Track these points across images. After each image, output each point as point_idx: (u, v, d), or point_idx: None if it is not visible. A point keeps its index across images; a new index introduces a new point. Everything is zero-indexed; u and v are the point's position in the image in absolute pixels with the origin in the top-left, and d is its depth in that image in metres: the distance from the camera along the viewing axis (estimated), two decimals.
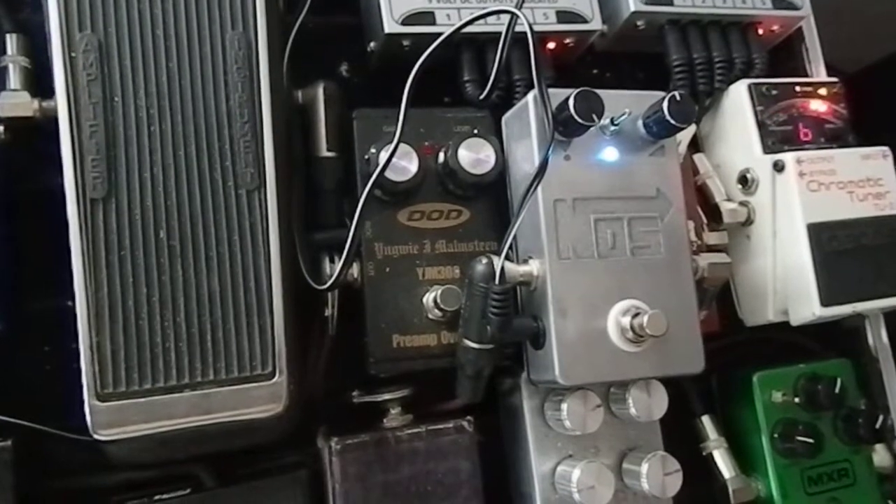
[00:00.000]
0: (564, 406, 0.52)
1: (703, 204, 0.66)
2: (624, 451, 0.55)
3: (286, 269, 0.49)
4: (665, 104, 0.49)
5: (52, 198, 0.49)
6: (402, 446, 0.52)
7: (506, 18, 0.55)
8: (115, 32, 0.46)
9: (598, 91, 0.49)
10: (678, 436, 0.58)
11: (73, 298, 0.46)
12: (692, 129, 0.67)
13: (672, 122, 0.48)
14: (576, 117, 0.47)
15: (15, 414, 0.49)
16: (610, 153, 0.52)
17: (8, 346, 0.51)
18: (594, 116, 0.48)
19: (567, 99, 0.48)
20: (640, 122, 0.51)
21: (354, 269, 0.53)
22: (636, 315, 0.49)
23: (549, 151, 0.48)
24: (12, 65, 0.52)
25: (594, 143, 0.52)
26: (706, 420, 0.64)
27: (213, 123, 0.48)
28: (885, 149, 0.65)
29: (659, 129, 0.50)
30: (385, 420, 0.54)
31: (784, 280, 0.63)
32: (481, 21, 0.53)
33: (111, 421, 0.44)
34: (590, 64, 0.70)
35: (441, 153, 0.55)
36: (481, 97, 0.59)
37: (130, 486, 0.52)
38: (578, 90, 0.48)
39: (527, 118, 0.52)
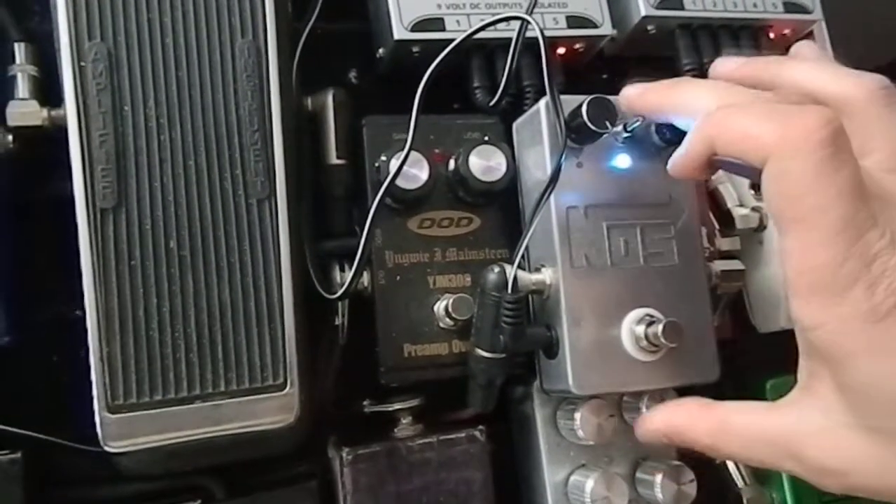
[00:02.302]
0: (577, 415, 0.52)
1: (715, 209, 0.65)
2: (637, 460, 0.55)
3: (297, 279, 0.48)
4: None
5: (59, 206, 0.49)
6: (413, 456, 0.52)
7: (515, 24, 0.55)
8: (124, 41, 0.46)
9: (611, 97, 0.48)
10: None
11: (80, 308, 0.45)
12: None
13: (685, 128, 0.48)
14: (589, 125, 0.47)
15: (23, 425, 0.49)
16: (622, 160, 0.51)
17: (15, 356, 0.51)
18: (607, 123, 0.47)
19: (580, 106, 0.47)
20: (652, 129, 0.50)
21: (365, 278, 0.53)
22: (651, 324, 0.48)
23: (563, 159, 0.47)
24: (21, 74, 0.51)
25: (606, 150, 0.51)
26: None
27: (223, 132, 0.47)
28: None
29: (672, 135, 0.49)
30: (396, 430, 0.54)
31: None
32: (491, 27, 0.53)
33: (122, 433, 0.44)
34: (599, 68, 0.69)
35: (451, 160, 0.55)
36: (491, 103, 0.58)
37: (140, 498, 0.51)
38: (591, 97, 0.47)
39: (538, 125, 0.51)
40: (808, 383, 0.40)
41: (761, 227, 0.65)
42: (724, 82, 0.44)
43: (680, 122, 0.44)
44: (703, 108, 0.40)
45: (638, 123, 0.49)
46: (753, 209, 0.65)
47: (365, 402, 0.55)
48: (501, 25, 0.54)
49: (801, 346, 0.41)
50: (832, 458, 0.38)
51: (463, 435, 0.53)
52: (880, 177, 0.38)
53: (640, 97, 0.46)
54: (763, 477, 0.63)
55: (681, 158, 0.42)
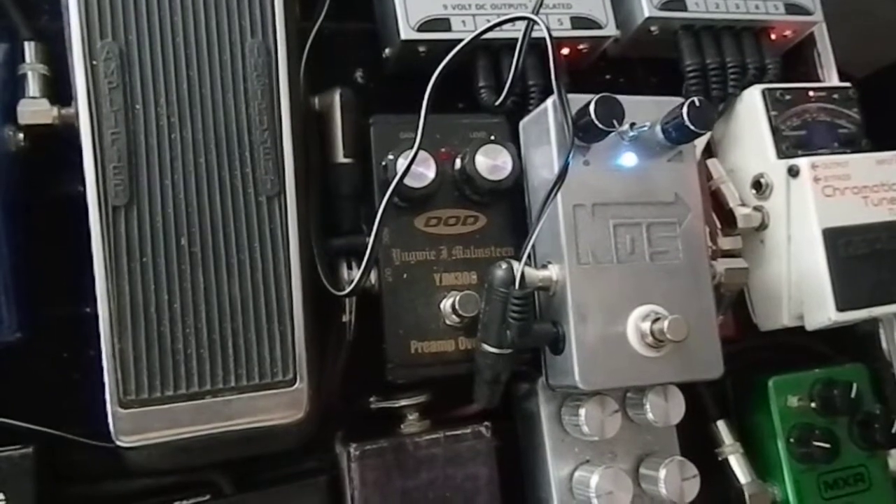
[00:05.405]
0: (582, 411, 0.52)
1: (717, 209, 0.66)
2: (641, 456, 0.55)
3: (305, 276, 0.49)
4: (684, 110, 0.48)
5: (68, 204, 0.50)
6: (420, 452, 0.53)
7: (521, 24, 0.55)
8: (135, 40, 0.47)
9: (618, 97, 0.49)
10: (693, 440, 0.58)
11: (90, 305, 0.46)
12: (707, 134, 0.67)
13: (692, 127, 0.48)
14: (597, 123, 0.47)
15: (34, 420, 0.49)
16: (628, 158, 0.52)
17: (27, 353, 0.51)
18: (615, 122, 0.48)
19: (588, 104, 0.48)
20: (658, 128, 0.51)
21: (372, 275, 0.53)
22: (656, 320, 0.49)
23: (570, 157, 0.48)
24: (31, 72, 0.52)
25: (613, 149, 0.52)
26: (721, 425, 0.64)
27: (234, 131, 0.48)
28: None
29: (678, 135, 0.50)
30: (402, 426, 0.54)
31: (799, 285, 0.63)
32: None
33: (134, 428, 0.45)
34: (602, 69, 0.70)
35: (458, 159, 0.55)
36: (497, 103, 0.59)
37: (150, 493, 0.52)
38: (599, 96, 0.48)
39: (546, 124, 0.52)
40: None
41: (763, 226, 0.66)
42: None
43: None
44: None
45: (646, 128, 0.49)
46: (755, 208, 0.66)
47: (372, 399, 0.56)
48: (507, 25, 0.55)
49: None
50: None
51: (469, 431, 0.54)
52: None
53: None
54: (765, 473, 0.63)
55: None
